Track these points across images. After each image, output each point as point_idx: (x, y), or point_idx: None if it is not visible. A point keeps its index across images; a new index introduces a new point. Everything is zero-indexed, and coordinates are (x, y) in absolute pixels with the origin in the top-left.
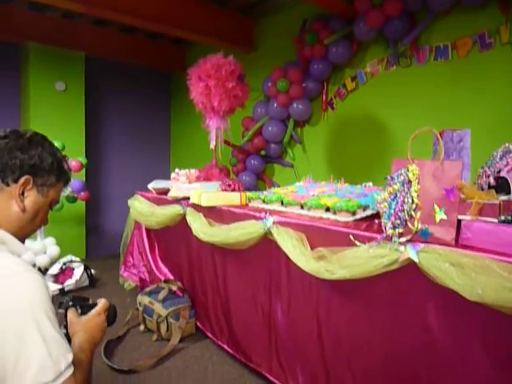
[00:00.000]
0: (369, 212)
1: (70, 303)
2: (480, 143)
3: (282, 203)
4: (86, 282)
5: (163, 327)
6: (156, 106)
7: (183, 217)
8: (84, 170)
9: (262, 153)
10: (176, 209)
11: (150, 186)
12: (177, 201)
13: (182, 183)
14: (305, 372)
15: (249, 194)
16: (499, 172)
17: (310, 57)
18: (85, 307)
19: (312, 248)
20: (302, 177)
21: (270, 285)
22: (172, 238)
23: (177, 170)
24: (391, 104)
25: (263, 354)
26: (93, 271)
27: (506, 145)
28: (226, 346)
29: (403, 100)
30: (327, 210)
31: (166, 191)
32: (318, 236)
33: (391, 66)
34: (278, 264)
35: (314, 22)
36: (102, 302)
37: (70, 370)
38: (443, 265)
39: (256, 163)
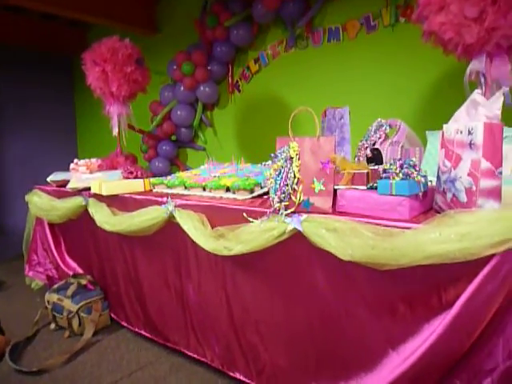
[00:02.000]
0: (265, 189)
1: None
2: (364, 118)
3: (185, 187)
4: None
5: (75, 323)
6: (57, 93)
7: (86, 208)
8: None
9: (173, 138)
10: (78, 200)
11: (49, 178)
12: (78, 192)
13: (81, 173)
14: (219, 342)
15: (152, 179)
16: (374, 144)
17: (213, 39)
18: None
19: (213, 227)
20: (216, 159)
21: (179, 266)
22: (78, 231)
23: (75, 160)
24: (292, 84)
25: (180, 333)
26: None
27: (379, 119)
28: (143, 332)
29: (303, 80)
30: (227, 189)
31: (66, 183)
32: (218, 215)
33: (290, 47)
34: (185, 245)
35: (214, 4)
36: None
37: None
38: (321, 231)
39: (168, 148)
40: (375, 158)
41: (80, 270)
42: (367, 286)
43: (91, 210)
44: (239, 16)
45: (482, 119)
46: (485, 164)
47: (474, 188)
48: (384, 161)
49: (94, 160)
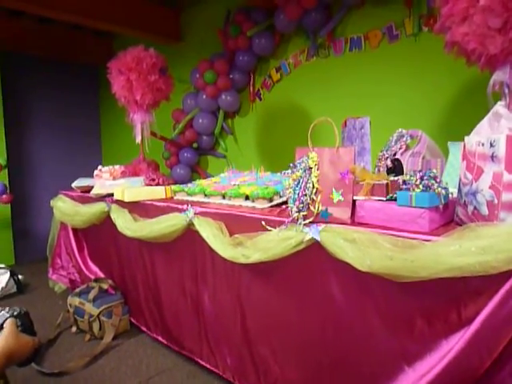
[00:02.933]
0: (284, 198)
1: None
2: (386, 129)
3: (205, 194)
4: (14, 289)
5: (96, 326)
6: (84, 101)
7: (108, 214)
8: (6, 171)
9: (195, 145)
10: (101, 206)
11: (74, 184)
12: (101, 198)
13: (105, 180)
14: (232, 354)
15: (173, 187)
16: (395, 155)
17: (235, 48)
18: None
19: (231, 235)
20: (236, 167)
21: (196, 274)
22: (100, 236)
23: (99, 167)
24: (313, 93)
25: (194, 341)
26: (20, 277)
27: (400, 130)
28: (160, 338)
29: (324, 89)
30: (246, 198)
31: (90, 189)
32: (237, 224)
33: (311, 56)
34: (203, 253)
35: (237, 14)
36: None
37: None
38: (339, 241)
39: (189, 156)
40: (396, 168)
41: (101, 275)
42: (384, 298)
43: (113, 216)
44: (261, 26)
45: (504, 131)
46: (507, 177)
47: (495, 201)
48: (404, 172)
49: (117, 167)
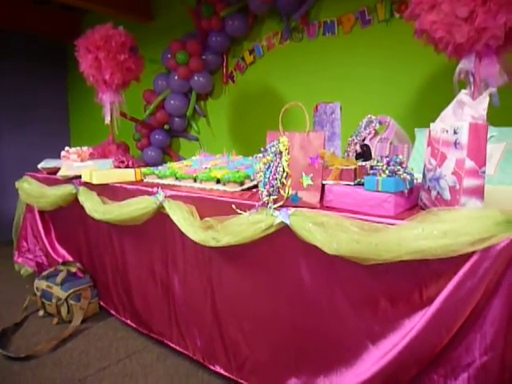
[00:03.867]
0: (255, 182)
1: None
2: (357, 113)
3: (176, 177)
4: None
5: (64, 310)
6: (50, 79)
7: (76, 196)
8: None
9: (166, 127)
10: (68, 188)
11: (40, 165)
12: (69, 180)
13: (72, 161)
14: (202, 336)
15: (143, 169)
16: (364, 140)
17: (208, 29)
18: None
19: (202, 218)
20: (208, 150)
21: (166, 257)
22: (68, 219)
23: (67, 148)
24: (287, 76)
25: (164, 324)
26: None
27: (369, 116)
28: (129, 321)
29: (298, 72)
30: (218, 181)
31: (57, 171)
32: (208, 207)
33: (285, 40)
34: (173, 236)
35: None
36: None
37: None
38: (308, 225)
39: (160, 138)
40: (364, 153)
41: (70, 258)
42: (351, 281)
43: (81, 199)
44: (235, 6)
45: (467, 119)
46: (469, 163)
47: (457, 186)
48: (373, 157)
49: (85, 148)
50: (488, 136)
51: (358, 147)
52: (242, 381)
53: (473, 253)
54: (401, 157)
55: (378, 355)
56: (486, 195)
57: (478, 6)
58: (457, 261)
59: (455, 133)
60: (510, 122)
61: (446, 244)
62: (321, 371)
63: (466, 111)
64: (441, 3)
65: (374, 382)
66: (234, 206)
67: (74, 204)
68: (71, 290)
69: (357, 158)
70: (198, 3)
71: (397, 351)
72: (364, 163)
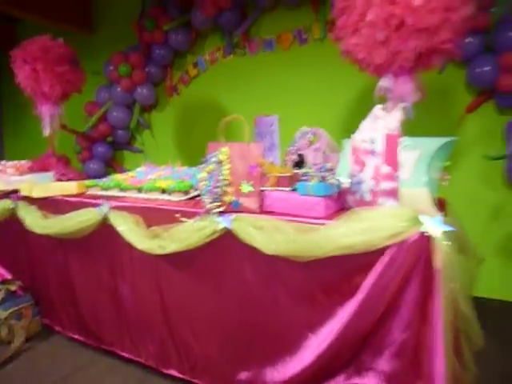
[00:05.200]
0: (199, 191)
1: None
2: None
3: (121, 189)
4: None
5: (4, 330)
6: None
7: (14, 212)
8: None
9: (109, 139)
10: (5, 204)
11: None
12: (6, 195)
13: (10, 175)
14: (154, 341)
15: (86, 181)
16: (299, 150)
17: (151, 42)
18: None
19: (149, 228)
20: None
21: (114, 268)
22: (6, 235)
23: (3, 162)
24: (230, 89)
25: (114, 334)
26: None
27: (303, 128)
28: (76, 336)
29: (240, 86)
30: (163, 191)
31: None
32: (154, 217)
33: (228, 54)
34: (120, 247)
35: (153, 7)
36: None
37: None
38: (249, 228)
39: (103, 150)
40: (300, 162)
41: (9, 276)
42: (290, 277)
43: (21, 213)
44: (178, 21)
45: (382, 131)
46: (385, 169)
47: (376, 189)
48: (307, 165)
49: (23, 162)
50: (403, 145)
51: (294, 156)
52: (195, 380)
53: (389, 246)
54: (330, 164)
55: (317, 342)
56: (402, 197)
57: (392, 32)
58: (377, 254)
59: (372, 143)
60: (423, 133)
61: (366, 239)
62: (268, 363)
63: (381, 124)
64: (362, 28)
65: (314, 367)
66: (177, 215)
67: (13, 220)
68: (11, 310)
69: (294, 167)
70: (140, 17)
71: (333, 337)
72: (299, 171)
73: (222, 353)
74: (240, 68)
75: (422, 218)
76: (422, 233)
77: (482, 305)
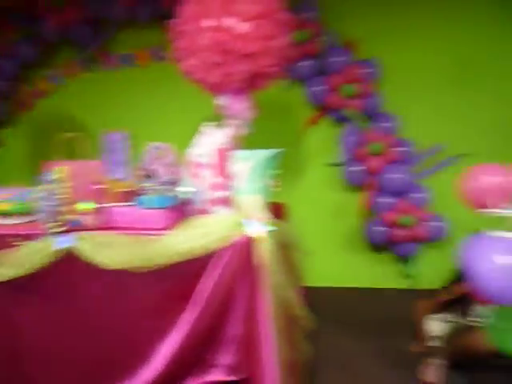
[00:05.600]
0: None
1: None
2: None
3: None
4: None
5: None
6: None
7: None
8: None
9: None
10: None
11: None
12: None
13: None
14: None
15: None
16: (148, 165)
17: None
18: None
19: None
20: (6, 181)
21: None
22: None
23: None
24: (86, 104)
25: None
26: None
27: (151, 144)
28: None
29: (98, 101)
30: (4, 215)
31: None
32: None
33: (83, 69)
34: None
35: None
36: None
37: None
38: (92, 245)
39: None
40: (148, 176)
41: None
42: (138, 289)
43: None
44: (24, 31)
45: (211, 146)
46: (217, 179)
47: (210, 198)
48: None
49: None
50: (239, 156)
51: (143, 172)
52: None
53: (220, 249)
54: (173, 177)
55: (167, 347)
56: (240, 203)
57: (226, 56)
58: (210, 257)
59: (205, 156)
60: (269, 145)
61: (201, 244)
62: (126, 375)
63: (210, 139)
64: (198, 51)
65: (164, 373)
66: (11, 240)
67: None
68: None
69: (144, 181)
70: None
71: (181, 339)
72: (142, 185)
73: (80, 376)
74: (97, 83)
75: (245, 222)
76: (246, 235)
77: (325, 292)
